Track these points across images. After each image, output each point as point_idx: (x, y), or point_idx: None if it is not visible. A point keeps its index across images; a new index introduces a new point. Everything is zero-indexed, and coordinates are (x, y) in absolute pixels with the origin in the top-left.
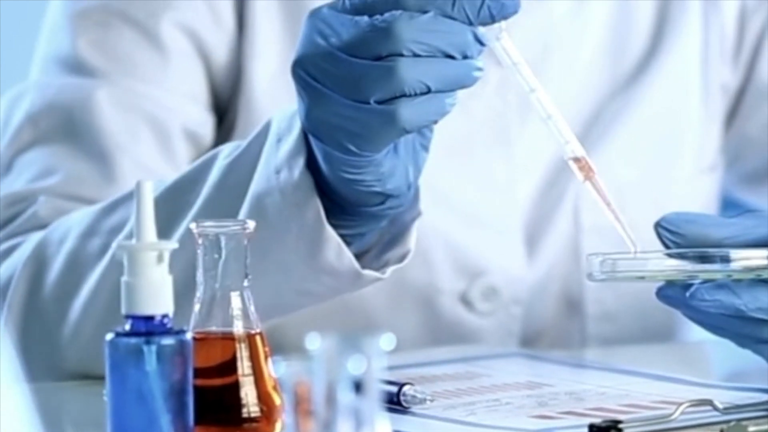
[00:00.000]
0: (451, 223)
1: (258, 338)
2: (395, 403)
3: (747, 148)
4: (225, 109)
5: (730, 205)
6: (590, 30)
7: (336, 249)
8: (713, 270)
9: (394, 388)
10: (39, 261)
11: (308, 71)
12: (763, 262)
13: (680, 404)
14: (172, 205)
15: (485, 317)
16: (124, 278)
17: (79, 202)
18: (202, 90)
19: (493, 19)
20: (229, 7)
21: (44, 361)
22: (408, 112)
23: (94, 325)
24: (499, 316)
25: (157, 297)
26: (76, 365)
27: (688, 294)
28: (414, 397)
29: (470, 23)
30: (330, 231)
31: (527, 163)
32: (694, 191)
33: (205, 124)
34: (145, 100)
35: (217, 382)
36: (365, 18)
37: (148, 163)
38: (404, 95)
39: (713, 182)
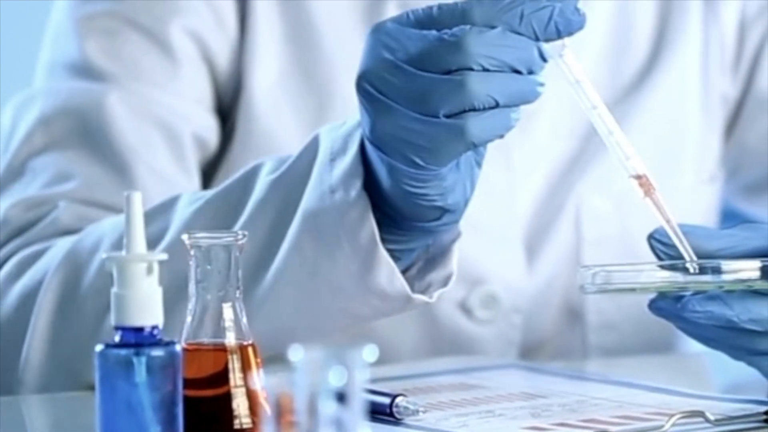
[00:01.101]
0: None
1: (250, 349)
2: (388, 414)
3: (747, 159)
4: (226, 114)
5: (730, 216)
6: (590, 40)
7: (388, 272)
8: (704, 281)
9: (387, 400)
10: (71, 268)
11: (374, 84)
12: (755, 274)
13: (672, 415)
14: (214, 221)
15: (485, 325)
16: (113, 290)
17: (98, 208)
18: (207, 95)
19: (559, 35)
20: (231, 12)
21: (72, 366)
22: (476, 126)
23: None
24: (498, 324)
25: (147, 308)
26: None
27: (679, 305)
28: (407, 408)
29: (536, 39)
30: (383, 253)
31: (527, 172)
32: (694, 202)
33: (212, 129)
34: (156, 106)
35: (209, 393)
36: (433, 32)
37: (162, 168)
38: (473, 109)
39: (713, 193)
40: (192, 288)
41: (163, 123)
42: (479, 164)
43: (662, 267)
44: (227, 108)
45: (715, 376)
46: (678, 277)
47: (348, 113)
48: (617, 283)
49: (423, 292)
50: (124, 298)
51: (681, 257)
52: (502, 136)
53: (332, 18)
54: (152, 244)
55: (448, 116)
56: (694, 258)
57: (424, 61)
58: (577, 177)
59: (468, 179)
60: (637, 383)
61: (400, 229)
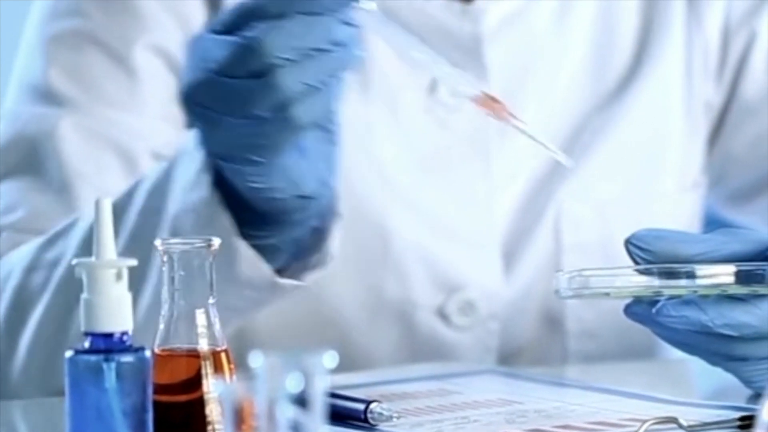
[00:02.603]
0: (427, 237)
1: (223, 355)
2: (363, 420)
3: (732, 166)
4: None
5: (714, 223)
6: (572, 46)
7: (250, 260)
8: (679, 286)
9: (361, 406)
10: None
11: (194, 100)
12: (729, 278)
13: (645, 422)
14: None
15: (462, 332)
16: (83, 295)
17: (37, 236)
18: (176, 110)
19: None
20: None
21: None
22: (299, 112)
23: (41, 359)
24: (476, 331)
25: (117, 314)
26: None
27: (654, 310)
28: (381, 414)
29: (334, 10)
30: (241, 244)
31: (506, 178)
32: (677, 209)
33: (176, 144)
34: (112, 126)
35: (182, 398)
36: (235, 37)
37: (112, 189)
38: (292, 99)
39: (696, 200)
40: (165, 294)
41: (117, 143)
42: (333, 142)
43: (638, 271)
44: None
45: (697, 383)
46: (653, 281)
47: None
48: (592, 288)
49: (295, 276)
50: (94, 304)
51: (660, 262)
52: (333, 113)
53: None
54: (56, 264)
55: (270, 112)
56: (564, 157)
57: (233, 68)
58: (557, 183)
59: (322, 161)
60: (615, 389)
61: (268, 224)
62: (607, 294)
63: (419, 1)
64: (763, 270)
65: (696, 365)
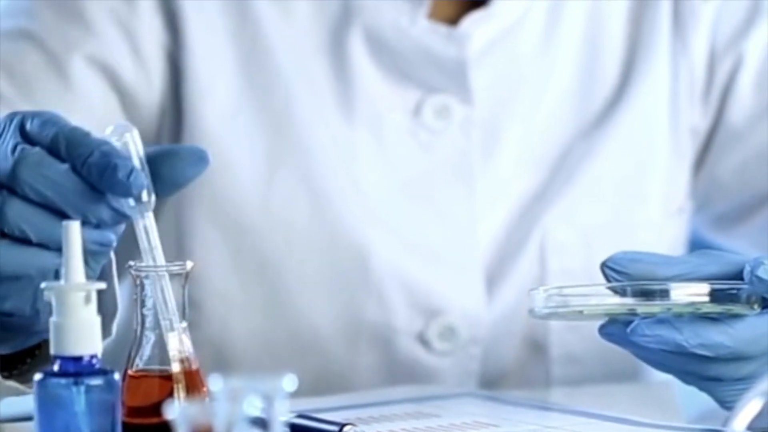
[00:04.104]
0: (407, 262)
1: (196, 377)
2: None
3: (718, 191)
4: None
5: (699, 248)
6: (558, 70)
7: None
8: (653, 304)
9: (335, 428)
10: None
11: None
12: (704, 298)
13: None
14: None
15: (443, 357)
16: (52, 319)
17: None
18: (106, 123)
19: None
20: (154, 42)
21: None
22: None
23: None
24: (457, 356)
25: (86, 337)
26: None
27: (629, 330)
28: None
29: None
30: None
31: (490, 202)
32: (662, 234)
33: None
34: None
35: (155, 420)
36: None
37: None
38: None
39: (681, 225)
40: (138, 316)
41: None
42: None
43: (612, 290)
44: (170, 138)
45: (681, 406)
46: (627, 300)
47: (303, 144)
48: (568, 306)
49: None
50: (63, 327)
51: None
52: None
53: (291, 46)
54: None
55: None
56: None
57: None
58: (542, 208)
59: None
60: (594, 413)
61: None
62: (581, 312)
63: (404, 24)
64: (737, 289)
65: (680, 389)
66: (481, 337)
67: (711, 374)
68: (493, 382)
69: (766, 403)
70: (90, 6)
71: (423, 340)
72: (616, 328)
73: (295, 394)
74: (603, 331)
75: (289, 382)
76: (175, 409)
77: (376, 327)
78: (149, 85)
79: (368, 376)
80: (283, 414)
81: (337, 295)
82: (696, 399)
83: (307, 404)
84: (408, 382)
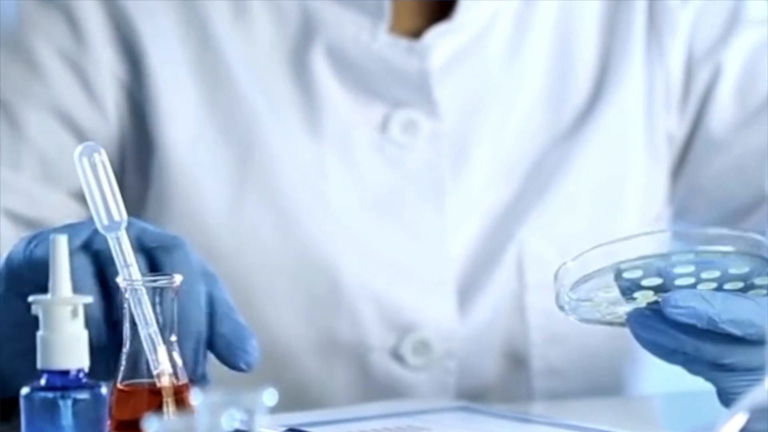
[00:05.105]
0: (378, 278)
1: (185, 391)
2: None
3: (697, 199)
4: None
5: None
6: (527, 80)
7: None
8: (683, 251)
9: None
10: None
11: None
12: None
13: None
14: None
15: (418, 372)
16: (39, 333)
17: None
18: (61, 170)
19: None
20: (107, 79)
21: None
22: None
23: None
24: (432, 370)
25: (73, 351)
26: None
27: (661, 301)
28: None
29: None
30: None
31: (461, 217)
32: None
33: (59, 206)
34: None
35: None
36: None
37: None
38: None
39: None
40: (126, 330)
41: None
42: None
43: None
44: (135, 168)
45: (663, 420)
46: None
47: (270, 165)
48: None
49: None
50: (50, 341)
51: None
52: None
53: (253, 67)
54: None
55: None
56: None
57: None
58: (517, 220)
59: None
60: (580, 426)
61: None
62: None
63: (365, 39)
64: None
65: (662, 402)
66: (456, 350)
67: (727, 361)
68: (472, 396)
69: (748, 419)
70: (38, 47)
71: (397, 356)
72: (644, 315)
73: (272, 410)
74: (632, 318)
75: (270, 396)
76: (154, 424)
77: (349, 344)
78: (105, 121)
79: (344, 393)
80: (265, 427)
81: (309, 314)
82: (677, 414)
83: (287, 419)
84: (384, 397)
